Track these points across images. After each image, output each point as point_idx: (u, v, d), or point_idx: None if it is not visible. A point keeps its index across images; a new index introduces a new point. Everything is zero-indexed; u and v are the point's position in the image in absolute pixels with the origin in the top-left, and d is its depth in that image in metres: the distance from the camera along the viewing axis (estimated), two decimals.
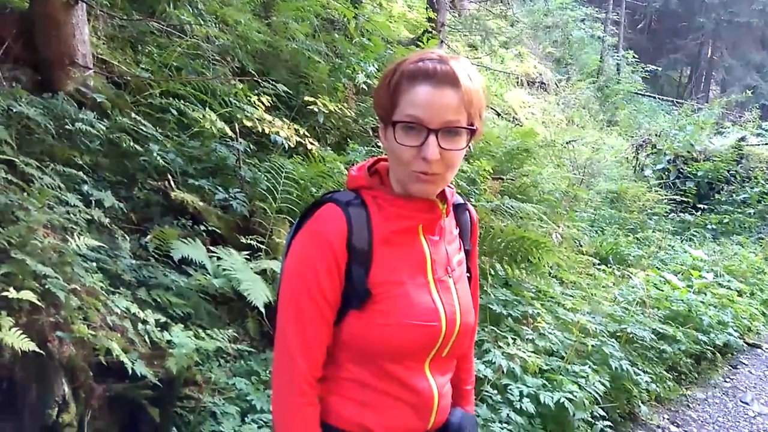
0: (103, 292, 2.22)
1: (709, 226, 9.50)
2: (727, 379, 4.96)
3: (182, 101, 3.66)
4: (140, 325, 2.20)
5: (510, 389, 3.01)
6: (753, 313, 6.04)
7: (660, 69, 21.92)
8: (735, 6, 24.16)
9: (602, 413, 3.27)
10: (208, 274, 2.84)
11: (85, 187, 2.79)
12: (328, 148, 4.21)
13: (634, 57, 18.27)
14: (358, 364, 1.19)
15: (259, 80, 4.41)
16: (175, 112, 3.64)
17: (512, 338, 3.38)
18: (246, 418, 2.32)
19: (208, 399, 2.32)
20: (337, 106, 4.32)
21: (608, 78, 17.00)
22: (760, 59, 24.96)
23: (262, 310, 2.58)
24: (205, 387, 2.33)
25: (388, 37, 6.42)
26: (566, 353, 3.56)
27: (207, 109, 3.68)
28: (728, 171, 10.43)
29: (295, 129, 3.85)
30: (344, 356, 1.20)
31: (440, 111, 1.09)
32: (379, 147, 4.96)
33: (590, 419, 3.25)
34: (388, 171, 1.22)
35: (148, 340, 2.17)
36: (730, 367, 5.22)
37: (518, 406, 2.90)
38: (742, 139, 11.06)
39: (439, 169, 1.13)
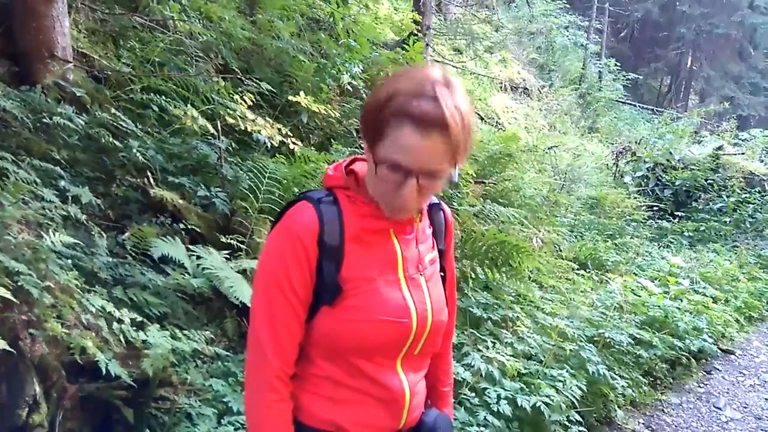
0: (78, 290, 2.17)
1: (685, 234, 9.65)
2: (701, 385, 5.03)
3: (164, 97, 3.61)
4: (115, 324, 2.16)
5: (488, 392, 3.02)
6: (727, 319, 6.14)
7: (641, 77, 22.24)
8: (714, 17, 24.61)
9: (578, 418, 3.29)
10: (187, 273, 2.80)
11: (62, 183, 2.73)
12: (312, 148, 4.19)
13: (616, 65, 18.52)
14: (330, 360, 1.20)
15: (243, 78, 4.37)
16: (156, 109, 3.59)
17: (492, 342, 3.40)
18: (222, 420, 2.29)
19: (184, 400, 2.28)
20: (322, 107, 4.30)
21: (590, 85, 17.20)
22: (738, 70, 25.46)
23: (249, 304, 2.55)
24: (180, 388, 2.30)
25: (374, 39, 6.41)
26: (544, 357, 3.59)
27: (189, 105, 3.64)
28: (705, 180, 10.61)
29: (278, 128, 3.82)
30: (316, 353, 1.21)
31: (425, 158, 1.08)
32: (362, 148, 4.95)
33: (566, 423, 3.27)
34: (364, 173, 1.22)
35: (123, 340, 2.14)
36: (704, 373, 5.29)
37: (495, 409, 2.91)
38: (720, 148, 11.27)
39: (416, 203, 1.16)
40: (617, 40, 26.14)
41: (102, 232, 2.75)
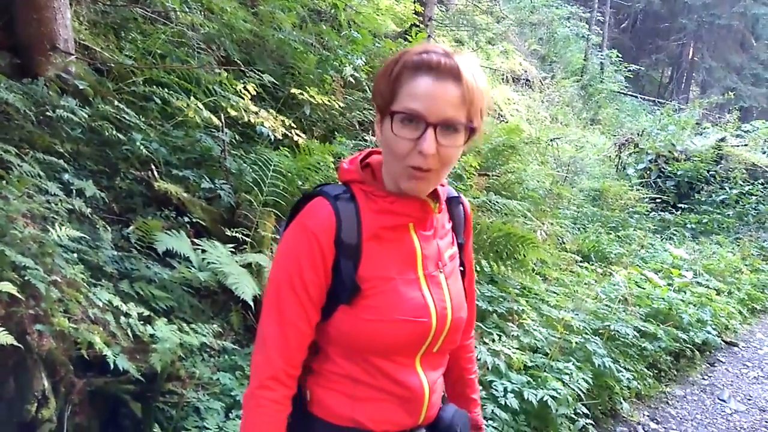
0: (85, 284, 2.16)
1: (688, 226, 9.63)
2: (705, 377, 5.03)
3: (166, 90, 3.58)
4: (122, 319, 2.15)
5: (494, 385, 3.01)
6: (730, 311, 6.14)
7: (642, 69, 22.14)
8: (716, 8, 24.48)
9: (585, 410, 3.29)
10: (193, 266, 2.78)
11: (66, 176, 2.71)
12: (315, 140, 4.16)
13: (617, 56, 18.43)
14: (348, 359, 1.18)
15: (245, 70, 4.33)
16: (158, 101, 3.56)
17: (497, 335, 3.39)
18: (230, 414, 2.28)
19: (192, 394, 2.27)
20: (325, 99, 4.27)
21: (592, 77, 17.12)
22: (740, 61, 25.35)
23: (251, 303, 2.54)
24: (188, 382, 2.29)
25: (376, 30, 6.36)
26: (550, 350, 3.58)
27: (192, 98, 3.61)
28: (708, 171, 10.58)
29: (281, 120, 3.79)
30: (334, 351, 1.19)
31: (440, 105, 1.07)
32: (365, 141, 4.92)
33: (573, 416, 3.27)
34: (381, 165, 1.20)
35: (130, 334, 2.12)
36: (708, 365, 5.30)
37: (503, 402, 2.91)
38: (722, 140, 11.23)
39: (435, 164, 1.10)
40: (619, 31, 26.01)
41: (107, 226, 2.73)
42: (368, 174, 1.21)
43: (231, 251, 3.03)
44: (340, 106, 4.52)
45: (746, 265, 8.02)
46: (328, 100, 4.26)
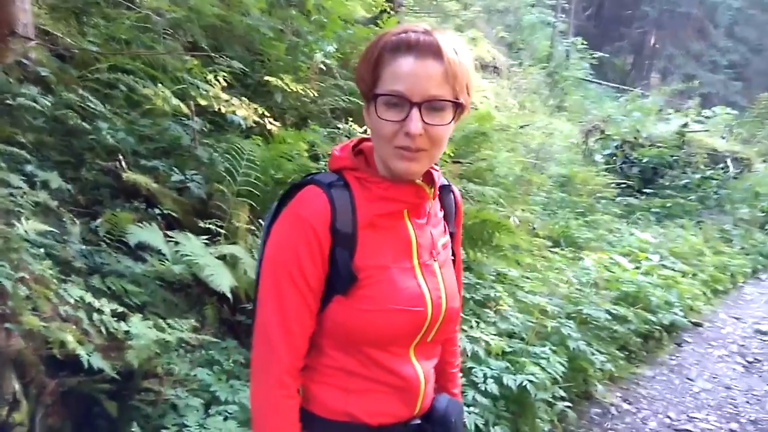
0: (54, 280, 2.07)
1: (653, 210, 9.85)
2: (673, 357, 5.18)
3: (132, 77, 3.45)
4: (95, 315, 2.07)
5: (474, 372, 3.02)
6: (695, 293, 6.32)
7: (607, 56, 22.46)
8: None
9: (562, 394, 3.34)
10: (166, 259, 2.70)
11: (29, 168, 2.60)
12: (289, 129, 4.08)
13: (582, 44, 18.64)
14: (342, 351, 1.16)
15: (213, 56, 4.22)
16: (124, 88, 3.44)
17: (475, 321, 3.40)
18: (210, 410, 2.23)
19: (170, 391, 2.21)
20: (300, 86, 4.19)
21: (558, 64, 17.28)
22: (699, 49, 25.97)
23: (228, 296, 2.48)
24: (166, 379, 2.22)
25: (345, 16, 6.27)
26: (527, 335, 3.61)
27: (159, 85, 3.49)
28: (671, 157, 10.82)
29: (254, 108, 3.70)
30: (328, 343, 1.17)
31: (423, 83, 1.05)
32: (338, 129, 4.86)
33: (550, 400, 3.31)
34: (373, 151, 1.17)
35: (104, 331, 2.05)
36: (675, 345, 5.45)
37: (483, 389, 2.92)
38: (684, 125, 11.49)
39: (424, 144, 1.08)
40: (584, 18, 26.31)
41: (74, 219, 2.63)
42: (361, 161, 1.18)
43: (205, 243, 2.95)
44: (313, 94, 4.44)
45: (709, 247, 8.26)
46: (303, 88, 4.18)
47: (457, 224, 1.36)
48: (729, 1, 25.72)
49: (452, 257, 1.31)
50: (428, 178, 1.21)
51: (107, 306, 2.11)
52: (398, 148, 1.08)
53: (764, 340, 5.77)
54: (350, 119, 4.82)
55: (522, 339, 3.59)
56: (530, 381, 3.02)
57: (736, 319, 6.47)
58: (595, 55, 18.63)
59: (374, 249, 1.13)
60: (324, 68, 5.20)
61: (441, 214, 1.29)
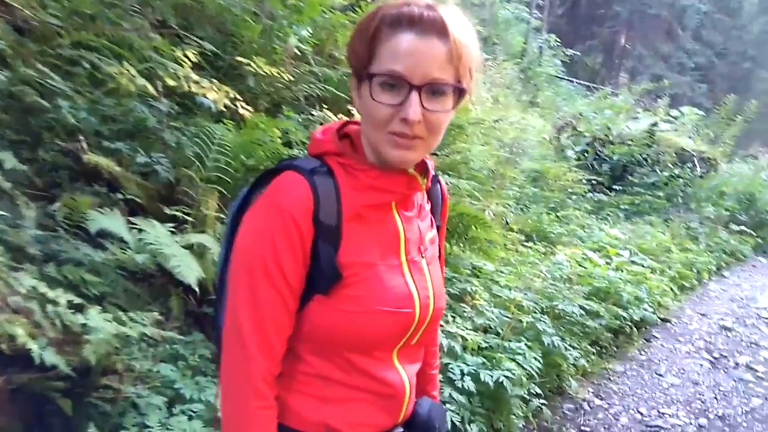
0: (4, 267, 1.90)
1: (622, 207, 9.97)
2: (642, 353, 5.22)
3: (96, 54, 3.26)
4: (49, 307, 1.91)
5: (451, 368, 2.95)
6: (663, 289, 6.40)
7: (579, 54, 22.70)
8: None
9: (538, 390, 3.29)
10: (128, 248, 2.55)
11: None
12: (261, 114, 3.93)
13: (556, 41, 18.78)
14: (320, 356, 1.05)
15: (182, 36, 4.03)
16: (87, 66, 3.24)
17: (452, 316, 3.33)
18: (174, 409, 2.10)
19: (130, 389, 2.07)
20: (275, 70, 4.04)
21: (531, 60, 17.35)
22: (668, 50, 26.48)
23: (195, 288, 2.34)
24: (126, 375, 2.08)
25: (322, 2, 6.11)
26: (502, 330, 3.56)
27: (125, 63, 3.31)
28: (641, 155, 10.96)
29: (225, 92, 3.54)
30: (305, 348, 1.05)
31: (425, 64, 0.94)
32: (312, 116, 4.72)
33: (526, 396, 3.27)
34: (361, 135, 1.06)
35: (58, 324, 1.89)
36: (644, 341, 5.49)
37: (459, 386, 2.86)
38: (654, 124, 11.65)
39: (421, 132, 0.97)
40: (558, 15, 26.53)
41: (29, 202, 2.45)
42: (347, 145, 1.06)
43: (171, 231, 2.80)
44: (288, 79, 4.29)
45: (675, 244, 8.38)
46: (277, 72, 4.03)
47: (443, 217, 1.26)
48: (697, 5, 26.28)
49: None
50: (421, 167, 1.10)
51: (63, 297, 1.95)
52: (392, 134, 0.97)
53: (729, 336, 5.87)
54: (325, 106, 4.69)
55: (497, 334, 3.54)
56: (506, 377, 2.97)
57: (702, 315, 6.57)
58: (567, 53, 18.82)
59: (360, 244, 1.03)
60: (299, 53, 5.05)
61: (428, 207, 1.19)
